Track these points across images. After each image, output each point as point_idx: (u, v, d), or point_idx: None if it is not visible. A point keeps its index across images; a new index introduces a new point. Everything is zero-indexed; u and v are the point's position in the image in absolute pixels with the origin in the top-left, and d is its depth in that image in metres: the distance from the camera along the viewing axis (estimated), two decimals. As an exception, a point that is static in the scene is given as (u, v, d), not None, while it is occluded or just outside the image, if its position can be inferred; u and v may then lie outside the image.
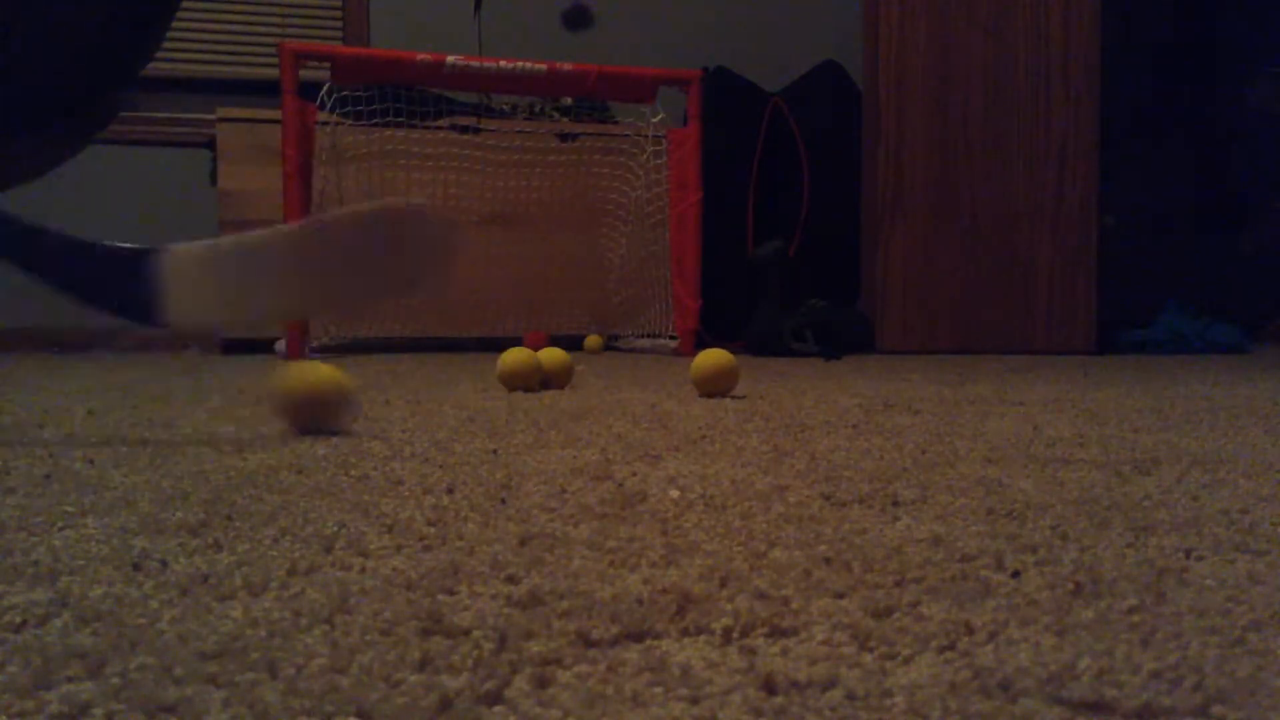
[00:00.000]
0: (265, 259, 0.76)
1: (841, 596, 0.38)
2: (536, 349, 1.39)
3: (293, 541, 0.47)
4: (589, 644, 0.33)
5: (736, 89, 3.22)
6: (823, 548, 0.45)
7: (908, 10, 2.87)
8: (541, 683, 0.29)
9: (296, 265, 0.75)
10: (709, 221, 2.71)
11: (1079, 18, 2.91)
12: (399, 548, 0.46)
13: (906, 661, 0.31)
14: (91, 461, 0.72)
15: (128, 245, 0.74)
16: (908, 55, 2.88)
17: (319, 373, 0.85)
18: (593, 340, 2.81)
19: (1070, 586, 0.39)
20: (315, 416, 0.86)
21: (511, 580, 0.40)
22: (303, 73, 2.39)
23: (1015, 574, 0.41)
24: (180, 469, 0.68)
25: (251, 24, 3.39)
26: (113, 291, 0.74)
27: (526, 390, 1.34)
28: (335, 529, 0.49)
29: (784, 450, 0.78)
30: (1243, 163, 3.66)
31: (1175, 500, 0.58)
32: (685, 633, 0.34)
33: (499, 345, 2.96)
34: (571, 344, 2.48)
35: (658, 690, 0.29)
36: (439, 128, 2.95)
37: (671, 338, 2.76)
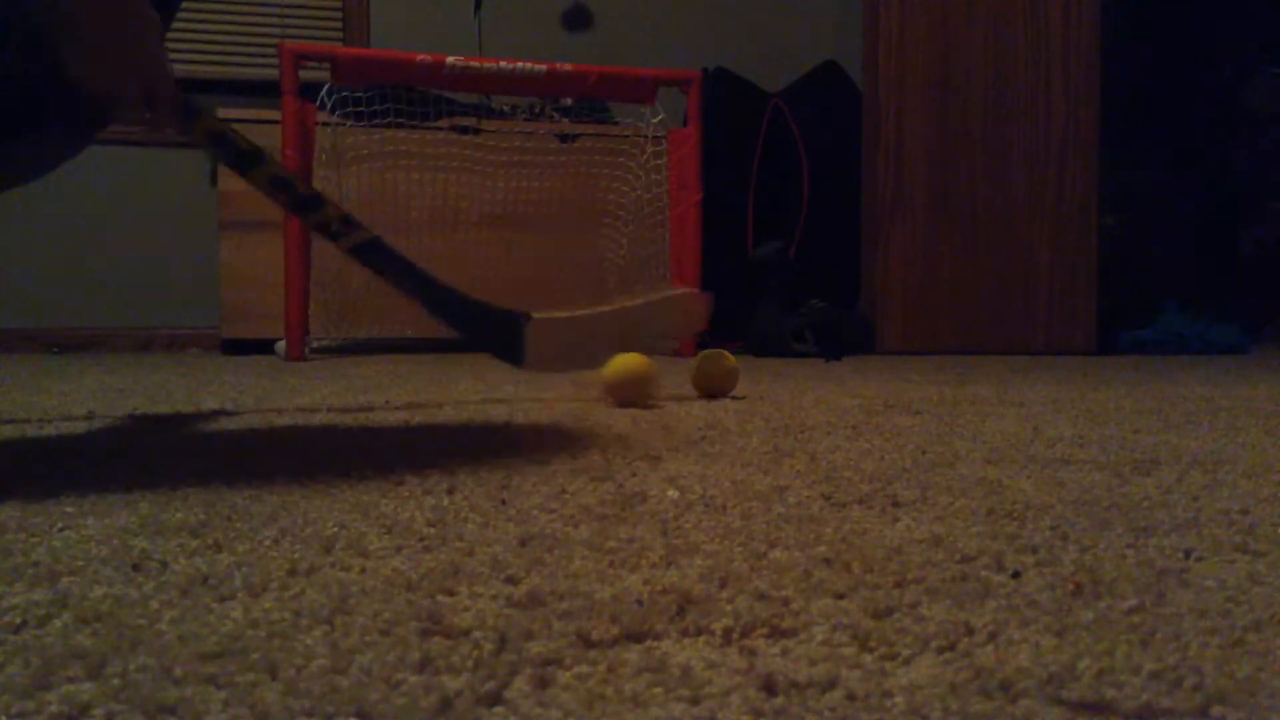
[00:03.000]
0: (590, 328, 1.09)
1: (841, 597, 0.38)
2: None
3: (293, 542, 0.47)
4: (589, 644, 0.33)
5: (736, 89, 3.22)
6: (823, 548, 0.45)
7: (908, 10, 2.87)
8: (541, 683, 0.29)
9: (608, 333, 1.11)
10: (709, 222, 2.71)
11: (1079, 18, 2.91)
12: (399, 548, 0.46)
13: (906, 662, 0.31)
14: (92, 462, 0.72)
15: (506, 310, 1.04)
16: (908, 55, 2.88)
17: (633, 360, 1.19)
18: None
19: (1070, 587, 0.39)
20: (636, 393, 1.20)
21: (511, 581, 0.40)
22: (303, 73, 2.39)
23: (1015, 574, 0.41)
24: (180, 469, 0.68)
25: (251, 24, 3.39)
26: (493, 340, 1.04)
27: (637, 405, 1.20)
28: (335, 529, 0.49)
29: (784, 450, 0.78)
30: (1242, 162, 3.66)
31: (1175, 501, 0.58)
32: (685, 633, 0.34)
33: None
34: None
35: (658, 691, 0.29)
36: (439, 128, 2.95)
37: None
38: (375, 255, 0.98)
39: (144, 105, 0.76)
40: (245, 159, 0.91)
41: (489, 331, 1.04)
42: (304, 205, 0.97)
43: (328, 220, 0.96)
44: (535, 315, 1.04)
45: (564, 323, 1.08)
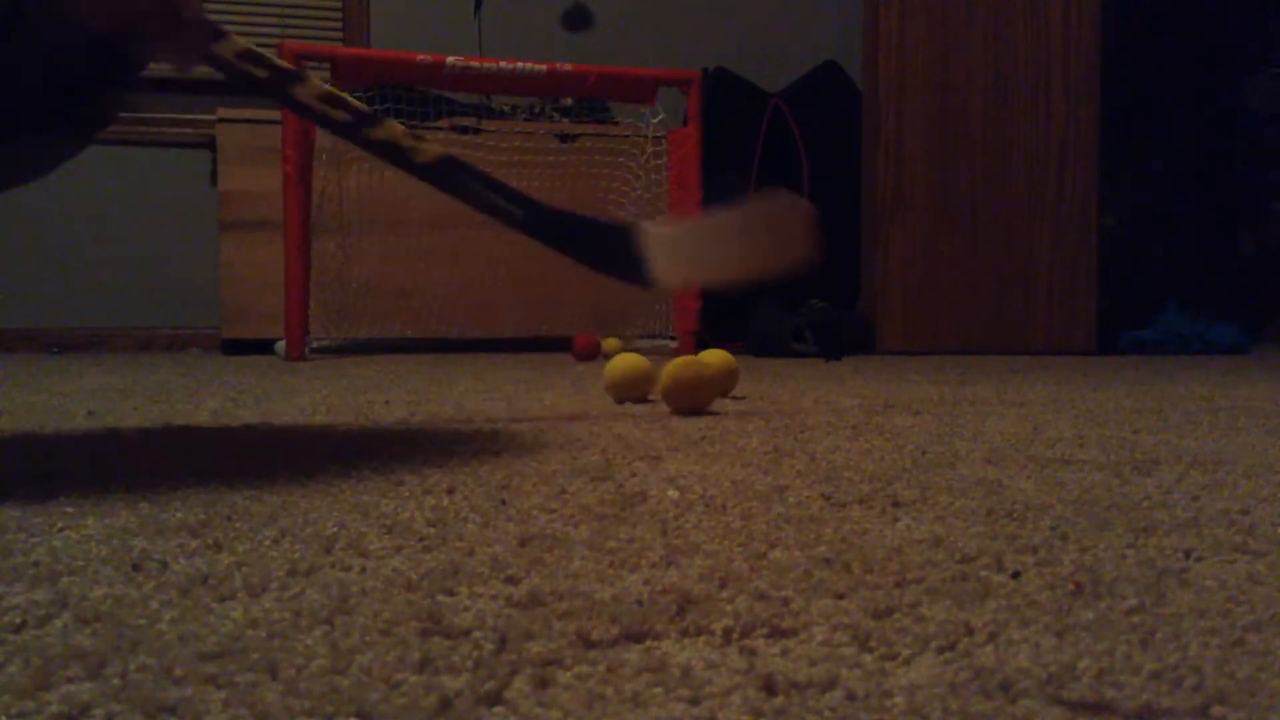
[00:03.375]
0: (716, 234, 0.97)
1: (841, 597, 0.38)
2: (587, 353, 1.33)
3: (293, 542, 0.47)
4: (589, 645, 0.33)
5: (736, 89, 3.22)
6: (823, 548, 0.45)
7: (908, 10, 2.87)
8: (541, 683, 0.29)
9: (728, 240, 0.98)
10: (709, 222, 2.71)
11: (1079, 18, 2.91)
12: (399, 548, 0.46)
13: (906, 662, 0.31)
14: (92, 462, 0.72)
15: (614, 224, 0.96)
16: (908, 55, 2.88)
17: (632, 360, 1.20)
18: (611, 343, 2.81)
19: (1070, 587, 0.39)
20: (635, 391, 1.19)
21: (511, 581, 0.40)
22: (303, 73, 2.39)
23: (1015, 574, 0.41)
24: (180, 469, 0.68)
25: (251, 24, 3.39)
26: (609, 259, 0.94)
27: (636, 401, 1.19)
28: (335, 529, 0.49)
29: (784, 450, 0.78)
30: (1243, 163, 3.66)
31: (1175, 501, 0.58)
32: (685, 633, 0.34)
33: (499, 346, 2.97)
34: (564, 345, 2.48)
35: (658, 691, 0.29)
36: (439, 128, 2.95)
37: (671, 338, 2.76)
38: (452, 174, 0.88)
39: (162, 28, 0.69)
40: (286, 78, 0.82)
41: (602, 249, 0.94)
42: (363, 121, 0.86)
43: (394, 138, 0.86)
44: (649, 226, 0.94)
45: (683, 232, 0.99)
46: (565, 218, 0.92)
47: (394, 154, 0.86)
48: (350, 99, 0.87)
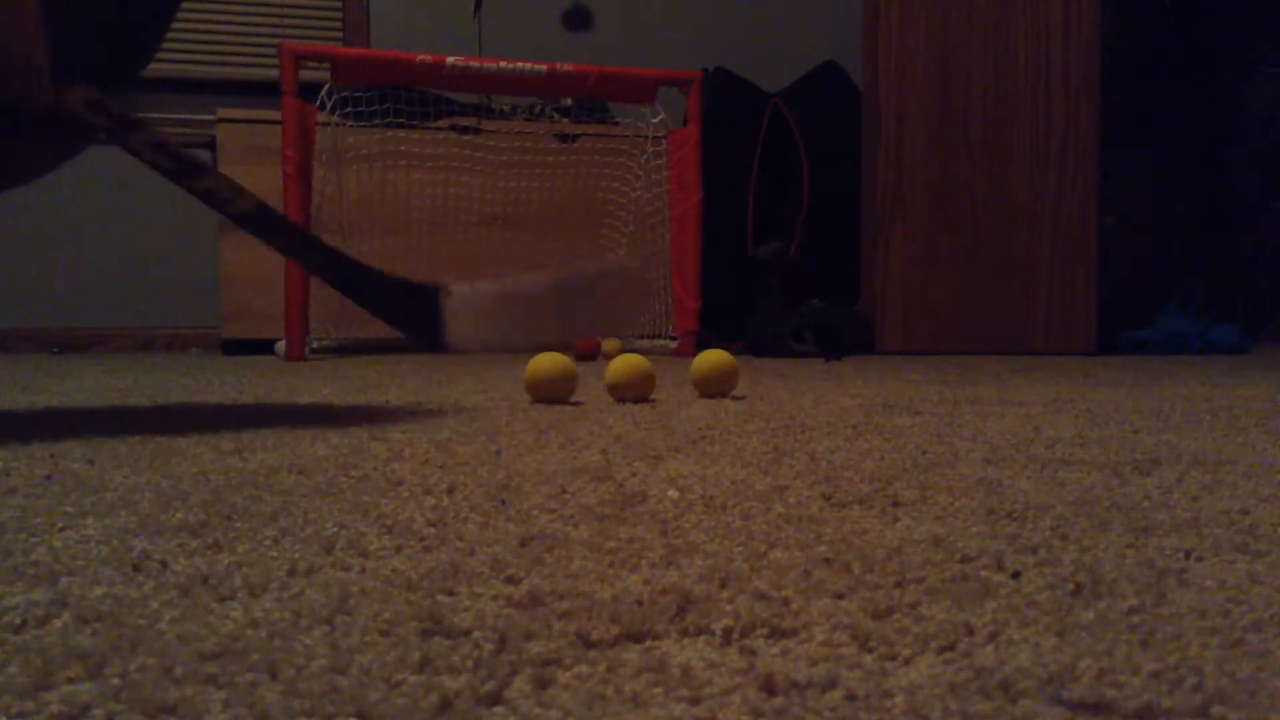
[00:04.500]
0: (517, 301, 0.98)
1: (841, 597, 0.38)
2: (588, 353, 1.33)
3: (293, 542, 0.47)
4: (589, 645, 0.33)
5: (736, 89, 3.22)
6: (823, 548, 0.45)
7: (908, 10, 2.87)
8: (541, 683, 0.29)
9: (541, 308, 0.99)
10: (709, 222, 2.71)
11: (1079, 18, 2.91)
12: (399, 548, 0.46)
13: (906, 662, 0.31)
14: (91, 461, 0.72)
15: (422, 284, 0.95)
16: (908, 55, 2.88)
17: (553, 359, 1.19)
18: (611, 344, 2.81)
19: (1070, 587, 0.39)
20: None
21: (511, 581, 0.40)
22: (303, 73, 2.39)
23: (1015, 574, 0.41)
24: (180, 469, 0.68)
25: (251, 24, 3.39)
26: (407, 319, 0.95)
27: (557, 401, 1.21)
28: (335, 529, 0.49)
29: (784, 451, 0.78)
30: (1243, 163, 3.66)
31: (1175, 501, 0.58)
32: (685, 633, 0.34)
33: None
34: (561, 346, 2.48)
35: (658, 691, 0.29)
36: (439, 128, 2.95)
37: (671, 338, 2.76)
38: (264, 225, 0.91)
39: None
40: (125, 125, 0.86)
41: (403, 308, 0.94)
42: (189, 171, 0.90)
43: (214, 187, 0.90)
44: (453, 287, 0.94)
45: (490, 294, 0.96)
46: (370, 275, 0.93)
47: (213, 202, 0.90)
48: (179, 149, 0.91)
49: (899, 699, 0.28)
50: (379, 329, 3.13)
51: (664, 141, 2.79)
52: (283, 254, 0.94)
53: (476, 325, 0.94)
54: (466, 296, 0.94)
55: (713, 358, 1.28)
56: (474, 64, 2.49)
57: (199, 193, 0.90)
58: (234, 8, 3.38)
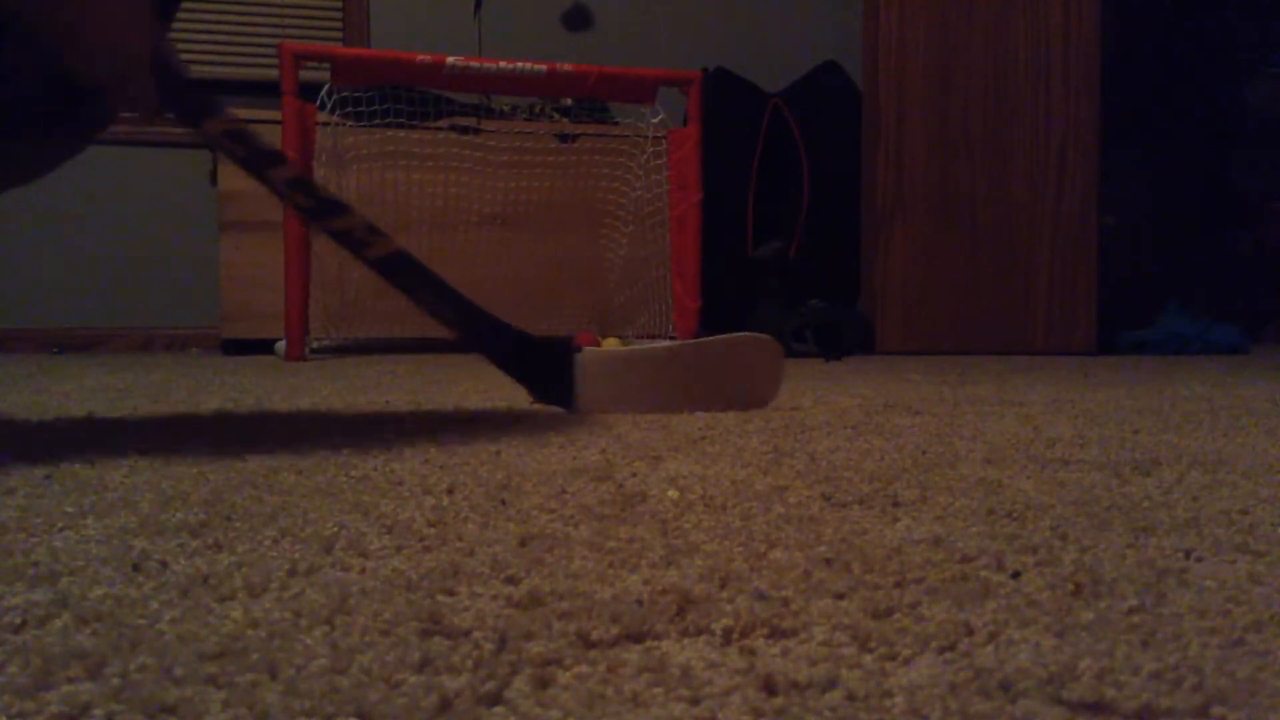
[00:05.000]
0: (648, 368, 1.00)
1: (841, 597, 0.38)
2: None
3: (293, 542, 0.47)
4: (589, 645, 0.33)
5: (736, 89, 3.22)
6: (823, 548, 0.45)
7: (908, 10, 2.87)
8: (541, 683, 0.29)
9: (669, 375, 1.01)
10: (709, 221, 2.71)
11: (1079, 17, 2.91)
12: (399, 548, 0.46)
13: (906, 662, 0.31)
14: (91, 462, 0.72)
15: (550, 341, 0.97)
16: (908, 55, 2.88)
17: None
18: (611, 343, 2.81)
19: (1070, 587, 0.39)
20: None
21: (511, 581, 0.40)
22: (303, 73, 2.39)
23: (1015, 574, 0.41)
24: (180, 469, 0.68)
25: (251, 24, 3.39)
26: (536, 378, 0.96)
27: None
28: (335, 529, 0.49)
29: (784, 451, 0.78)
30: (1243, 162, 3.66)
31: (1175, 501, 0.58)
32: (685, 633, 0.34)
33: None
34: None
35: (658, 691, 0.29)
36: (439, 128, 2.95)
37: (671, 338, 2.76)
38: (402, 270, 0.90)
39: (121, 90, 0.74)
40: (263, 159, 0.86)
41: (533, 366, 0.96)
42: (327, 211, 0.89)
43: (351, 228, 0.89)
44: (585, 350, 0.96)
45: (619, 359, 1.00)
46: (503, 331, 0.93)
47: (350, 243, 0.88)
48: (318, 187, 0.90)
49: (899, 699, 0.28)
50: (379, 329, 3.08)
51: (664, 141, 2.79)
52: (420, 308, 0.92)
53: (606, 388, 0.96)
54: (597, 359, 0.96)
55: None
56: (474, 64, 2.49)
57: (334, 233, 0.89)
58: (234, 8, 3.37)
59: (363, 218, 0.90)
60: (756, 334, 1.04)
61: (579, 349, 0.97)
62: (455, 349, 2.84)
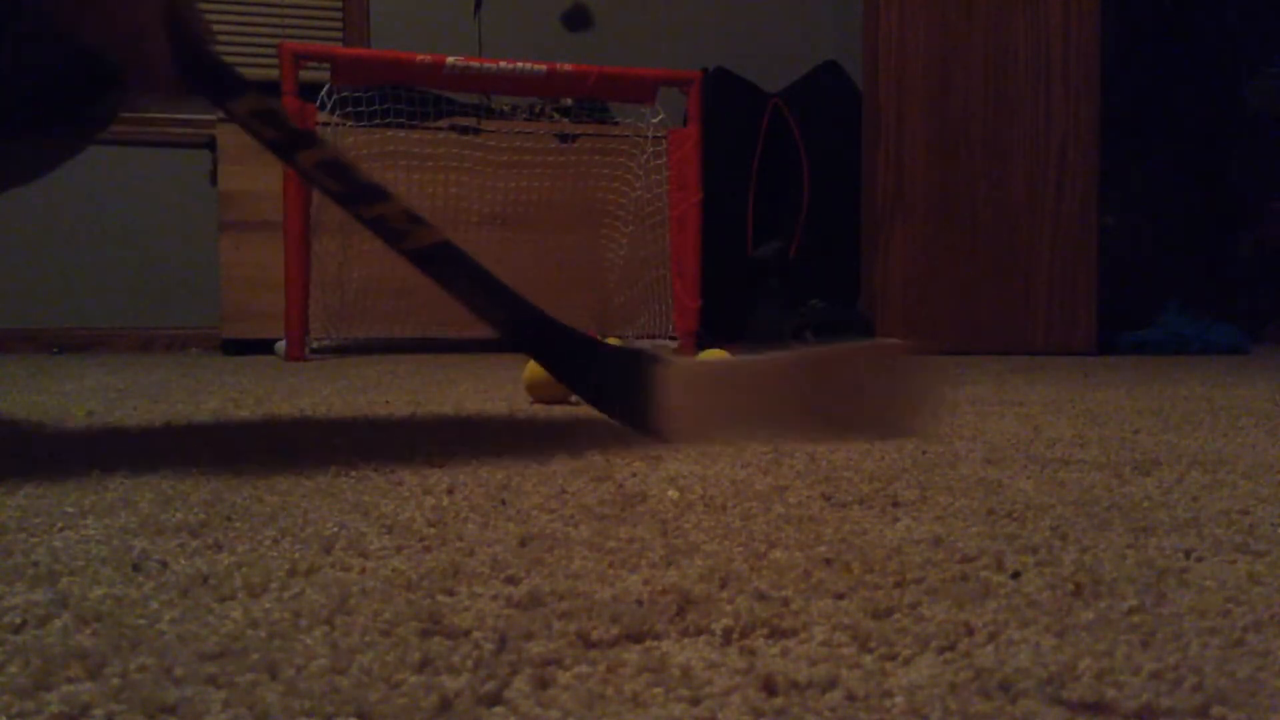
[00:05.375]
0: (754, 383, 0.79)
1: (841, 597, 0.38)
2: None
3: (293, 542, 0.47)
4: (589, 645, 0.33)
5: (736, 89, 3.22)
6: (823, 548, 0.45)
7: (908, 10, 2.87)
8: (541, 683, 0.29)
9: (781, 393, 0.78)
10: (709, 221, 2.71)
11: (1079, 17, 2.91)
12: (399, 548, 0.46)
13: (906, 662, 0.31)
14: (91, 461, 0.72)
15: (623, 348, 0.80)
16: (908, 55, 2.88)
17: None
18: (712, 354, 2.80)
19: (1070, 587, 0.39)
20: (553, 391, 1.13)
21: (511, 581, 0.40)
22: (303, 73, 2.39)
23: (1015, 575, 0.41)
24: (180, 469, 0.68)
25: (251, 24, 3.39)
26: (604, 392, 0.79)
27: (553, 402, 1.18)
28: (335, 529, 0.49)
29: (784, 451, 0.78)
30: (1242, 163, 3.66)
31: (1175, 501, 0.58)
32: (685, 633, 0.34)
33: (499, 346, 2.96)
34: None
35: (658, 691, 0.29)
36: (439, 128, 2.95)
37: (671, 338, 2.76)
38: (444, 263, 0.80)
39: (132, 70, 0.69)
40: (293, 140, 0.79)
41: (606, 380, 0.80)
42: (361, 195, 0.79)
43: (388, 214, 0.79)
44: (668, 361, 0.77)
45: (716, 372, 0.80)
46: (568, 337, 0.79)
47: (386, 232, 0.79)
48: (352, 170, 0.80)
49: (899, 699, 0.28)
50: (379, 329, 3.08)
51: (664, 141, 2.78)
52: (464, 306, 0.80)
53: (698, 408, 0.77)
54: (686, 372, 0.78)
55: (712, 358, 1.27)
56: (474, 64, 2.49)
57: (368, 220, 0.79)
58: (234, 8, 3.37)
59: (403, 203, 0.79)
60: (890, 339, 0.85)
61: (663, 360, 0.78)
62: (455, 348, 2.84)
